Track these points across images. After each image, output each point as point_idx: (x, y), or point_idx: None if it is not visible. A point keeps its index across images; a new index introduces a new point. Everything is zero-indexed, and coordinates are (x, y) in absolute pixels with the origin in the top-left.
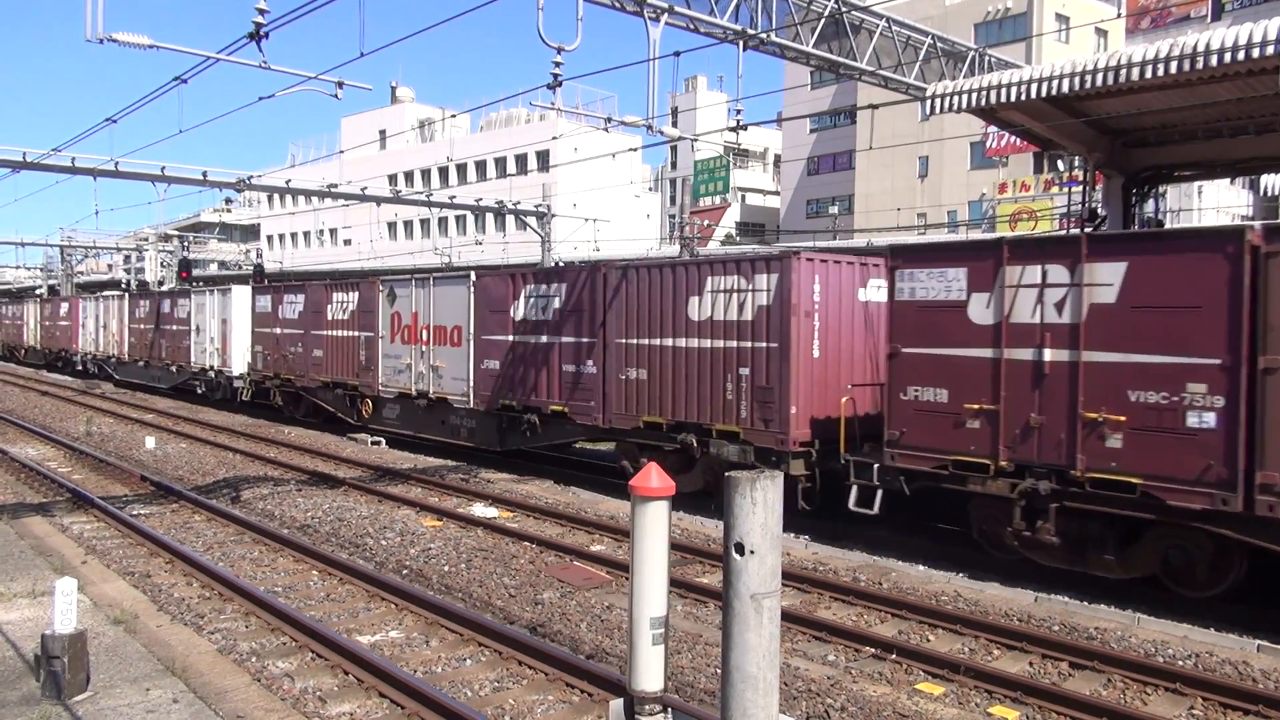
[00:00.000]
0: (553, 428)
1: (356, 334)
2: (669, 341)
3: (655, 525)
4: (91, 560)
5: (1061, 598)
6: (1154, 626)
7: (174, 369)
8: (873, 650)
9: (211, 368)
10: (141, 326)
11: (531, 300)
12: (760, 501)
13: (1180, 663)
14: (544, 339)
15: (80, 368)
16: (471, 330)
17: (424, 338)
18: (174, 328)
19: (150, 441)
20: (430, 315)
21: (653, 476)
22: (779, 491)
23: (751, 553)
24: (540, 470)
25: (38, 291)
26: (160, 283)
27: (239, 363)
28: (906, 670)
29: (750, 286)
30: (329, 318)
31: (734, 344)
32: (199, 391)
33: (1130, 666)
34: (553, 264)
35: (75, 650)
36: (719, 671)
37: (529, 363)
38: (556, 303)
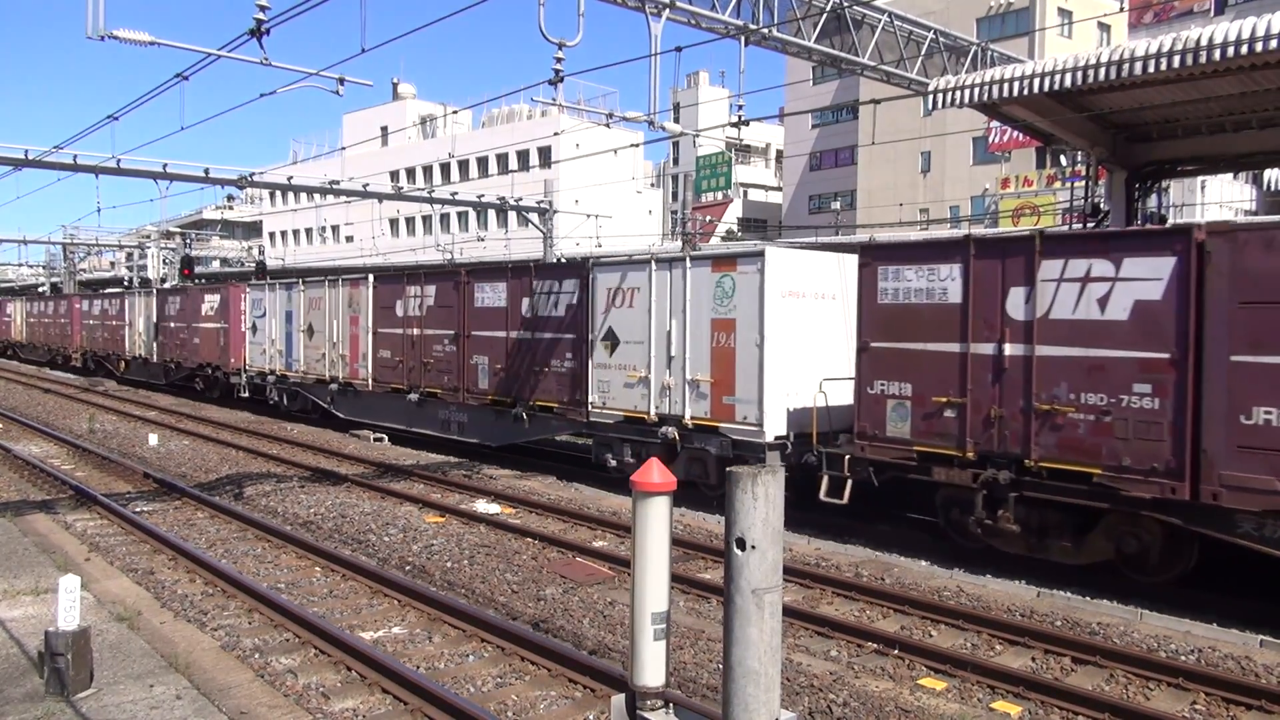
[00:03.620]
0: None
1: None
2: None
3: (657, 521)
4: (95, 557)
5: (1064, 593)
6: (1156, 622)
7: (521, 415)
8: (875, 646)
9: (680, 420)
10: (415, 333)
11: None
12: (762, 496)
13: (1183, 658)
14: None
15: (244, 393)
16: None
17: None
18: (523, 337)
19: (153, 438)
20: None
21: (654, 472)
22: (780, 487)
23: (753, 548)
24: (542, 466)
25: (40, 288)
26: (163, 280)
27: (774, 415)
28: (909, 666)
29: None
30: None
31: None
32: (611, 464)
33: (1133, 662)
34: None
35: (79, 647)
36: (721, 667)
37: None
38: None
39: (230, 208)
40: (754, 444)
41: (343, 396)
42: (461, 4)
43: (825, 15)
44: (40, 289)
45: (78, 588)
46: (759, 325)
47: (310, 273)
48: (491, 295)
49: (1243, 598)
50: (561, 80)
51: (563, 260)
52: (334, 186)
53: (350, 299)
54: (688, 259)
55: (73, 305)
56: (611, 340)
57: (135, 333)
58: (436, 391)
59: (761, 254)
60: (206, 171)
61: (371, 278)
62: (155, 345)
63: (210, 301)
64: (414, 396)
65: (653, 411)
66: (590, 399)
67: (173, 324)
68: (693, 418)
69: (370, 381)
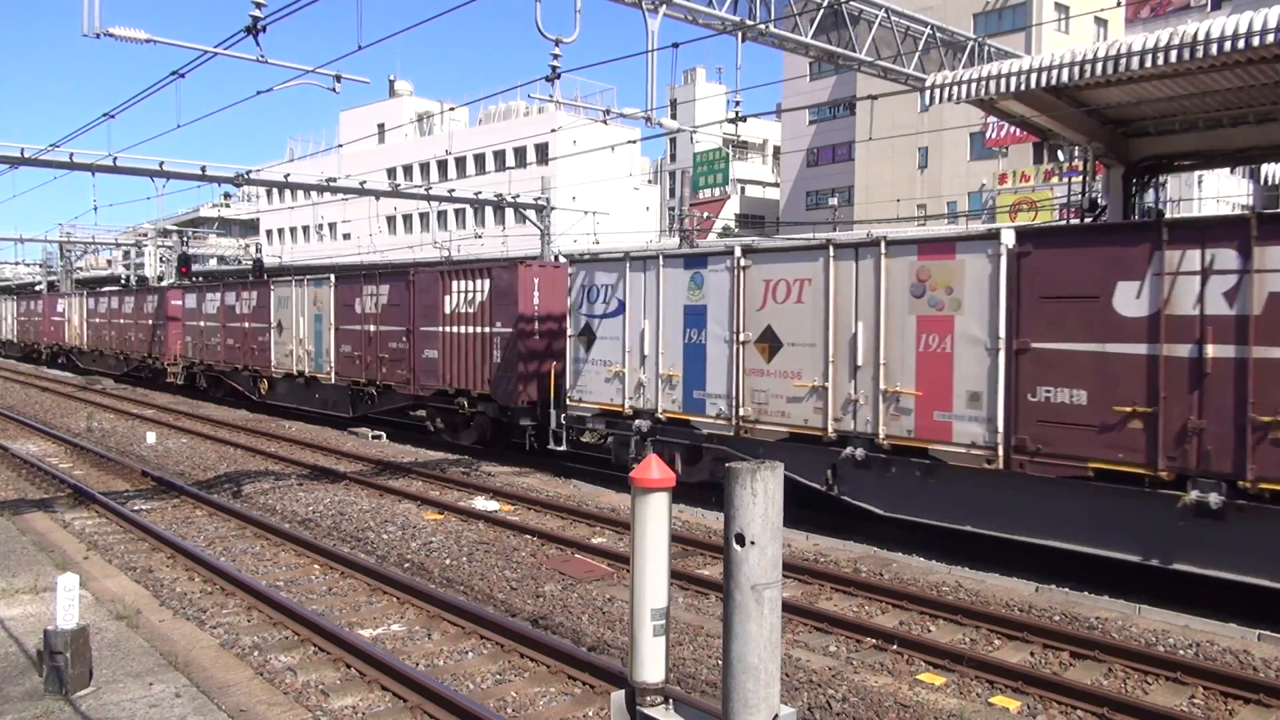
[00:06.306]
0: None
1: None
2: None
3: (656, 517)
4: (93, 556)
5: (1062, 588)
6: (1155, 616)
7: None
8: (874, 641)
9: None
10: (1229, 355)
11: None
12: (761, 492)
13: (1181, 652)
14: None
15: (558, 444)
16: None
17: None
18: None
19: (151, 437)
20: None
21: (653, 468)
22: (779, 482)
23: (752, 543)
24: (541, 464)
25: (37, 287)
26: (160, 278)
27: None
28: (908, 661)
29: None
30: None
31: None
32: None
33: (1131, 656)
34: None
35: (78, 645)
36: (720, 663)
37: None
38: None
39: (227, 205)
40: None
41: (875, 473)
42: (458, 1)
43: (822, 11)
44: (37, 288)
45: (76, 586)
46: None
47: (288, 270)
48: None
49: (1241, 592)
50: (558, 77)
51: None
52: (331, 184)
53: (912, 279)
54: None
55: (167, 301)
56: None
57: (290, 339)
58: None
59: None
60: (203, 169)
61: (1010, 236)
62: (334, 359)
63: (465, 290)
64: (1210, 499)
65: None
66: None
67: (373, 327)
68: None
69: (1000, 451)
